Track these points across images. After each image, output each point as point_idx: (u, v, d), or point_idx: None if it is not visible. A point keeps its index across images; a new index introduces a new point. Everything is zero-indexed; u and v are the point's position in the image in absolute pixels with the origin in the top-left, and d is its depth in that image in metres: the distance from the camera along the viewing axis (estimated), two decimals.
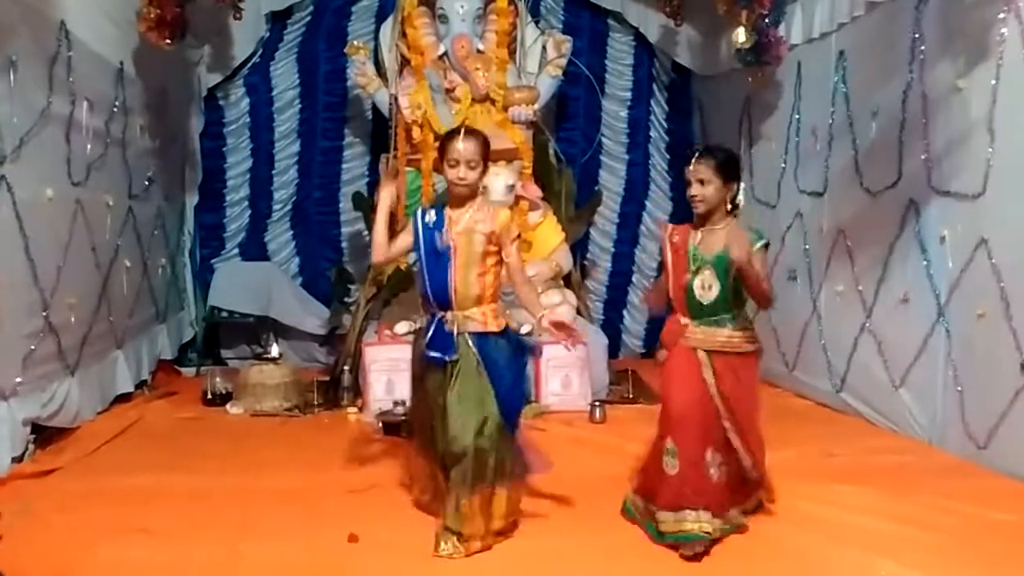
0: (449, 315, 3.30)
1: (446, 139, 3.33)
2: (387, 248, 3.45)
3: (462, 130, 3.35)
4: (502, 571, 3.15)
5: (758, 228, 3.41)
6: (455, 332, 3.28)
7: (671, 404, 3.31)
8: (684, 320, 3.31)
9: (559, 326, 3.32)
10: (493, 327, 3.31)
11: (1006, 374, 3.98)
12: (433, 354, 3.28)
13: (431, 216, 3.34)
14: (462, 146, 3.24)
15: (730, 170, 3.26)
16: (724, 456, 3.31)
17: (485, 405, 3.23)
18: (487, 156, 3.32)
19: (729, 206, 3.28)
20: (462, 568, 3.14)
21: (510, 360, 3.35)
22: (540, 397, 5.48)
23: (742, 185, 3.36)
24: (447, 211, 3.34)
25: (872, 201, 5.04)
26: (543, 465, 3.70)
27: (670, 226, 3.46)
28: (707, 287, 3.25)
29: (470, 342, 3.28)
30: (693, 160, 3.26)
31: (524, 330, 5.50)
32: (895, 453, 4.47)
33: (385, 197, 3.44)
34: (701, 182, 3.23)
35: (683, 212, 7.54)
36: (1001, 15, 3.99)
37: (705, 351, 3.27)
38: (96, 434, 4.78)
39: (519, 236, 3.44)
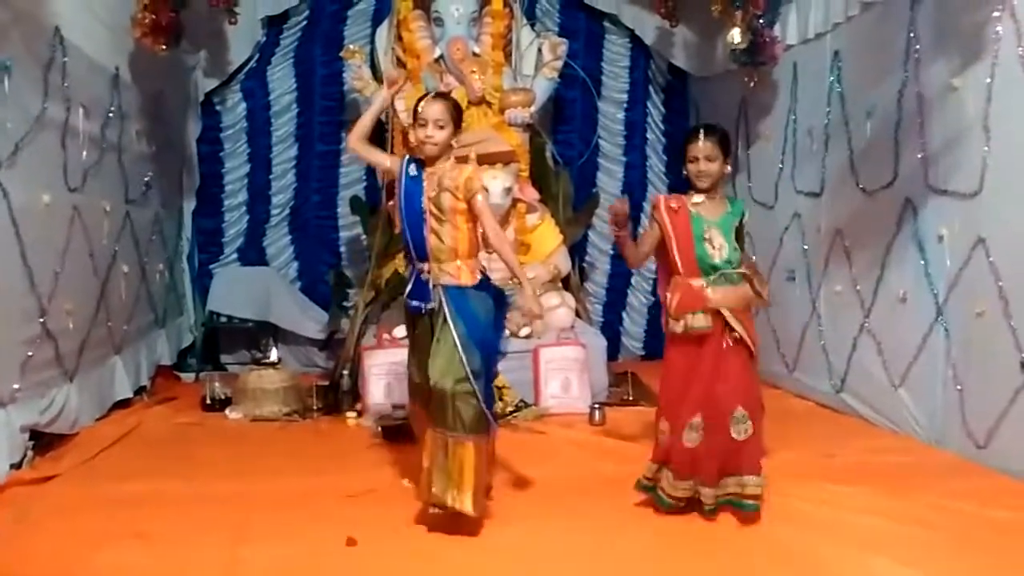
0: (426, 267, 3.52)
1: (416, 103, 3.54)
2: (363, 143, 3.70)
3: (430, 94, 3.61)
4: (501, 571, 3.14)
5: (739, 200, 3.80)
6: (431, 284, 3.50)
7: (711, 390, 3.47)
8: (698, 283, 3.49)
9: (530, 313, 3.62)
10: (467, 280, 3.49)
11: (1005, 373, 3.98)
12: (413, 303, 3.56)
13: (413, 169, 3.54)
14: (428, 106, 3.46)
15: (728, 146, 3.60)
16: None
17: (453, 353, 3.40)
18: (458, 119, 3.53)
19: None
20: (462, 568, 3.13)
21: (486, 313, 3.53)
22: (540, 399, 5.47)
23: (731, 160, 3.67)
24: (424, 168, 3.53)
25: (868, 201, 5.04)
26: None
27: (662, 196, 3.69)
28: (718, 246, 3.50)
29: (443, 294, 3.47)
30: (700, 138, 3.51)
31: (523, 333, 5.54)
32: (895, 453, 4.47)
33: (380, 97, 3.77)
34: (708, 158, 3.50)
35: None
36: (996, 14, 4.00)
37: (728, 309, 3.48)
38: (95, 440, 4.76)
39: (486, 190, 3.60)
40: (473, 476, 3.38)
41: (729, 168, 3.60)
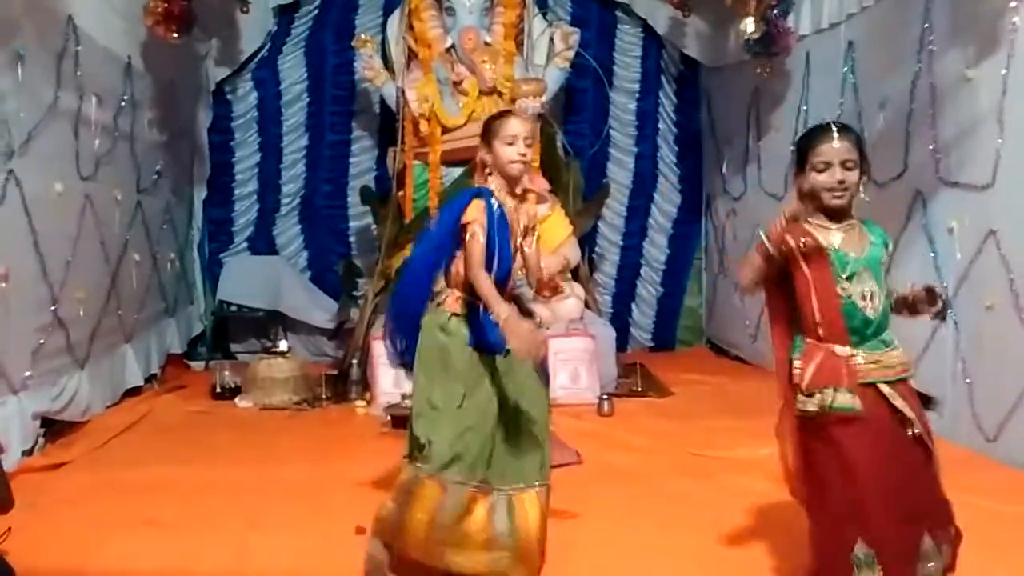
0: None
1: (496, 119, 3.05)
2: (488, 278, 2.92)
3: (515, 113, 3.31)
4: None
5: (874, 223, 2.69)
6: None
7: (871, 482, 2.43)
8: (843, 351, 2.50)
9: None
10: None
11: (1015, 366, 3.96)
12: (495, 341, 2.86)
13: (496, 206, 2.94)
14: (519, 124, 2.98)
15: (864, 154, 2.58)
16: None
17: (543, 395, 3.06)
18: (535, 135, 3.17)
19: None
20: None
21: None
22: (548, 390, 5.46)
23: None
24: (504, 198, 2.99)
25: (879, 192, 4.99)
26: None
27: (780, 224, 2.53)
28: (869, 296, 2.53)
29: None
30: (834, 137, 2.50)
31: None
32: None
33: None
34: (846, 166, 2.50)
35: (692, 206, 7.66)
36: (1012, 4, 3.96)
37: (886, 382, 2.52)
38: (105, 428, 4.80)
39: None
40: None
41: (865, 185, 2.57)
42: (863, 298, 2.51)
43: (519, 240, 3.05)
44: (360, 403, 5.47)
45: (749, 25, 5.50)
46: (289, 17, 7.29)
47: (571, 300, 5.96)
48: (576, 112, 7.44)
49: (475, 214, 2.90)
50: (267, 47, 7.26)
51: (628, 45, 7.53)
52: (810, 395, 2.47)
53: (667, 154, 7.70)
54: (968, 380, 4.28)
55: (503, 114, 3.16)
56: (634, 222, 7.61)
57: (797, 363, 2.53)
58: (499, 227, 2.93)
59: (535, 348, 2.78)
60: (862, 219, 2.62)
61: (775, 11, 5.57)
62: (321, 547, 3.23)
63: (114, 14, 5.26)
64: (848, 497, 2.43)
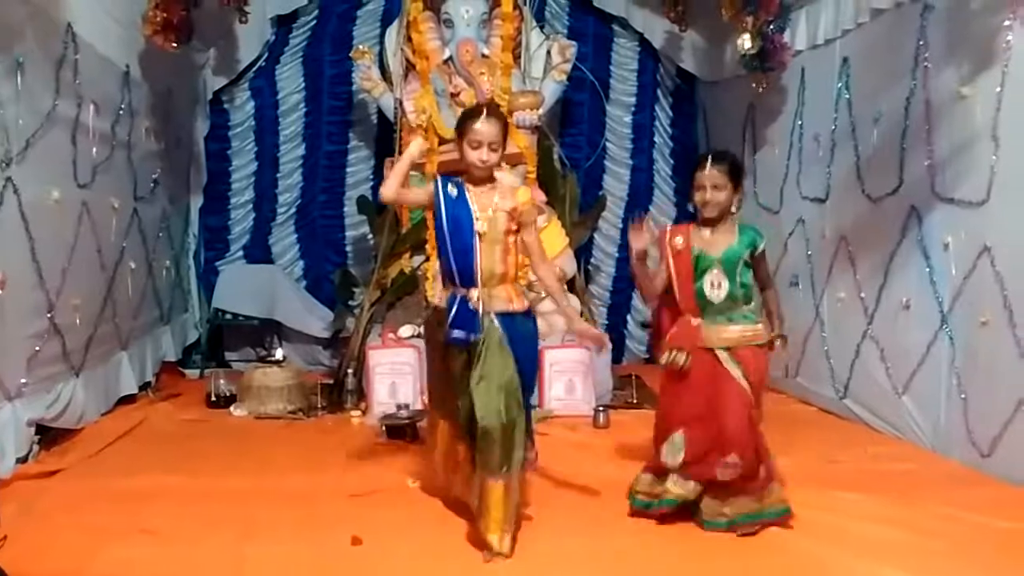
0: (474, 293, 3.24)
1: (467, 118, 3.27)
2: (398, 189, 3.30)
3: (484, 109, 3.27)
4: (503, 572, 3.14)
5: (754, 227, 3.55)
6: (480, 311, 3.22)
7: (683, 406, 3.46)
8: (695, 321, 3.41)
9: (590, 337, 3.64)
10: (518, 306, 3.29)
11: (1010, 382, 3.98)
12: (457, 334, 3.22)
13: (453, 190, 3.25)
14: (484, 127, 3.20)
15: (738, 175, 3.43)
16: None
17: (509, 385, 3.18)
18: (507, 136, 3.31)
19: (733, 209, 3.45)
20: (464, 569, 3.14)
21: (531, 339, 3.37)
22: (544, 402, 5.48)
23: (743, 189, 3.51)
24: (467, 187, 3.28)
25: (873, 207, 5.05)
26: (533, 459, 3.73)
27: (668, 228, 3.56)
28: (716, 285, 3.38)
29: (495, 321, 3.22)
30: (707, 165, 3.36)
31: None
32: (898, 460, 4.47)
33: (416, 145, 3.36)
34: (716, 187, 3.35)
35: (686, 219, 7.59)
36: (1007, 23, 3.99)
37: (723, 348, 3.38)
38: (100, 435, 4.79)
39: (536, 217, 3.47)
40: (515, 512, 3.24)
41: (740, 198, 3.45)
42: (711, 286, 3.39)
43: (488, 220, 3.23)
44: (355, 413, 5.47)
45: (746, 40, 5.53)
46: (287, 28, 7.30)
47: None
48: (573, 125, 7.47)
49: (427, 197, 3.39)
50: (265, 57, 7.27)
51: (625, 59, 7.56)
52: (665, 351, 3.47)
53: (663, 167, 7.73)
54: (963, 395, 4.30)
55: (473, 113, 3.26)
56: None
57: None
58: (453, 214, 3.22)
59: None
60: (740, 224, 3.47)
61: (771, 27, 5.60)
62: (316, 557, 3.22)
63: (113, 23, 5.27)
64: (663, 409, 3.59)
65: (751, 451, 3.40)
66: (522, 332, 3.29)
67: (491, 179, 3.32)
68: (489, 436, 3.13)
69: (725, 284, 3.38)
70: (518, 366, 3.23)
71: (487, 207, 3.24)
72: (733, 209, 3.42)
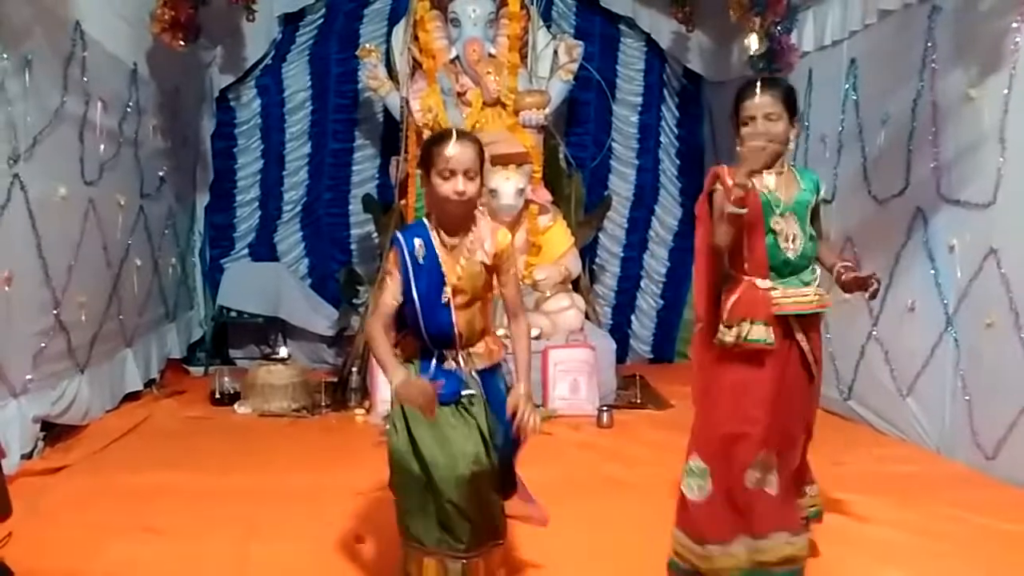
0: (450, 355, 2.68)
1: (432, 144, 2.64)
2: (380, 329, 2.67)
3: (453, 132, 2.66)
4: (506, 571, 3.14)
5: (810, 170, 2.97)
6: (462, 373, 2.68)
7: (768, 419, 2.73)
8: (763, 283, 2.73)
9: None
10: (497, 358, 2.77)
11: (1015, 384, 3.97)
12: (443, 393, 2.57)
13: (420, 248, 2.64)
14: (456, 152, 2.57)
15: (795, 104, 2.82)
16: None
17: (489, 450, 2.67)
18: (483, 164, 2.68)
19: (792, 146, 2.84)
20: None
21: (506, 390, 2.77)
22: (548, 401, 5.48)
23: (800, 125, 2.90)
24: (435, 236, 2.66)
25: (879, 209, 5.04)
26: (540, 515, 3.41)
27: (725, 168, 2.75)
28: (791, 238, 2.76)
29: (477, 381, 2.70)
30: (756, 92, 2.73)
31: (533, 334, 5.55)
32: (903, 462, 4.46)
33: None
34: (768, 117, 2.73)
35: (693, 219, 7.57)
36: (1015, 24, 3.99)
37: (794, 316, 2.76)
38: (105, 432, 4.81)
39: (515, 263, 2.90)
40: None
41: (797, 135, 2.84)
42: (786, 239, 2.75)
43: (466, 281, 2.65)
44: (359, 411, 5.47)
45: (753, 41, 5.53)
46: (294, 26, 7.31)
47: (571, 311, 5.98)
48: (579, 124, 7.47)
49: (390, 263, 2.68)
50: (271, 55, 7.28)
51: (631, 59, 7.56)
52: (729, 326, 2.71)
53: (669, 167, 7.72)
54: (967, 397, 4.29)
55: (440, 138, 2.63)
56: (635, 234, 7.63)
57: (709, 299, 2.82)
58: (424, 282, 2.62)
59: (424, 404, 2.50)
60: (795, 166, 2.89)
61: (779, 27, 5.59)
62: (320, 555, 3.22)
63: (121, 21, 5.29)
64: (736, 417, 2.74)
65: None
66: (500, 385, 2.76)
67: (468, 219, 2.69)
68: (469, 501, 2.61)
69: (800, 236, 2.77)
70: (499, 419, 2.69)
71: (461, 255, 2.66)
72: (791, 146, 2.82)
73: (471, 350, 2.71)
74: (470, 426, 2.65)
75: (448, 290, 2.63)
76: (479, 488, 2.63)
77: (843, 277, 2.85)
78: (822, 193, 2.89)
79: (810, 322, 2.82)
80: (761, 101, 2.73)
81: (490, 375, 2.75)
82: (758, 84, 2.76)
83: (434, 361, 2.68)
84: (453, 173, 2.57)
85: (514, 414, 2.63)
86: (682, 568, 2.88)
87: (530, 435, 2.71)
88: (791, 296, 2.75)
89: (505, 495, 2.83)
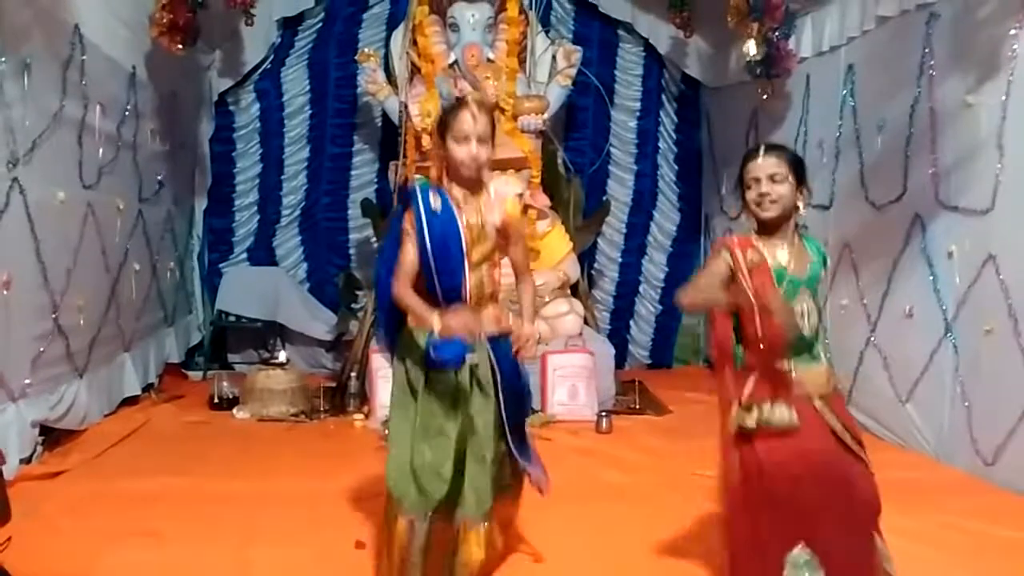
0: None
1: (449, 112, 2.83)
2: (408, 287, 2.80)
3: (468, 100, 2.83)
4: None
5: (815, 239, 2.81)
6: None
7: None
8: (782, 364, 2.57)
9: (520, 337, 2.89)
10: (506, 324, 2.91)
11: (1014, 390, 3.98)
12: (445, 357, 2.68)
13: (436, 202, 2.78)
14: (470, 118, 2.75)
15: (802, 170, 2.69)
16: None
17: (496, 419, 2.83)
18: (495, 131, 2.86)
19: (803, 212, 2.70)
20: None
21: (518, 361, 2.95)
22: (547, 406, 5.48)
23: (809, 193, 2.73)
24: (452, 195, 2.82)
25: (877, 215, 5.05)
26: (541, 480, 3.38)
27: (735, 238, 2.66)
28: (805, 314, 2.61)
29: (487, 345, 2.83)
30: (759, 155, 2.64)
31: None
32: (902, 468, 4.45)
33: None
34: (774, 179, 2.61)
35: (691, 225, 7.69)
36: (1012, 31, 4.00)
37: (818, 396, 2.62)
38: (103, 436, 4.80)
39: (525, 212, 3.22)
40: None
41: (805, 201, 2.67)
42: (800, 316, 2.59)
43: (478, 239, 2.80)
44: (358, 416, 5.47)
45: (751, 47, 5.54)
46: (293, 30, 7.31)
47: (570, 316, 5.98)
48: (577, 129, 7.48)
49: (406, 222, 2.81)
50: (270, 59, 7.28)
51: (629, 64, 7.57)
52: (748, 409, 2.54)
53: (667, 173, 7.73)
54: (967, 404, 4.30)
55: (456, 106, 2.83)
56: (633, 240, 7.64)
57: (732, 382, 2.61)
58: (439, 232, 2.75)
59: (472, 328, 2.68)
60: (802, 234, 2.73)
61: (777, 33, 5.61)
62: (319, 560, 3.22)
63: (120, 24, 5.28)
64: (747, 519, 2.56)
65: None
66: (508, 354, 2.89)
67: (480, 183, 2.86)
68: (485, 471, 2.80)
69: (813, 313, 2.62)
70: (507, 391, 2.85)
71: (476, 219, 2.81)
72: (802, 212, 2.68)
73: (482, 311, 2.82)
74: (477, 395, 2.79)
75: (464, 236, 2.77)
76: (476, 457, 2.78)
77: None
78: (827, 265, 2.79)
79: (831, 401, 2.67)
80: (765, 162, 2.63)
81: (499, 342, 2.86)
82: (762, 147, 2.68)
83: None
84: (467, 138, 2.76)
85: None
86: None
87: (527, 359, 2.95)
88: (809, 377, 2.61)
89: (522, 456, 2.92)
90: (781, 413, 2.51)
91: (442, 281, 2.79)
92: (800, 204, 2.66)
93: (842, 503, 2.53)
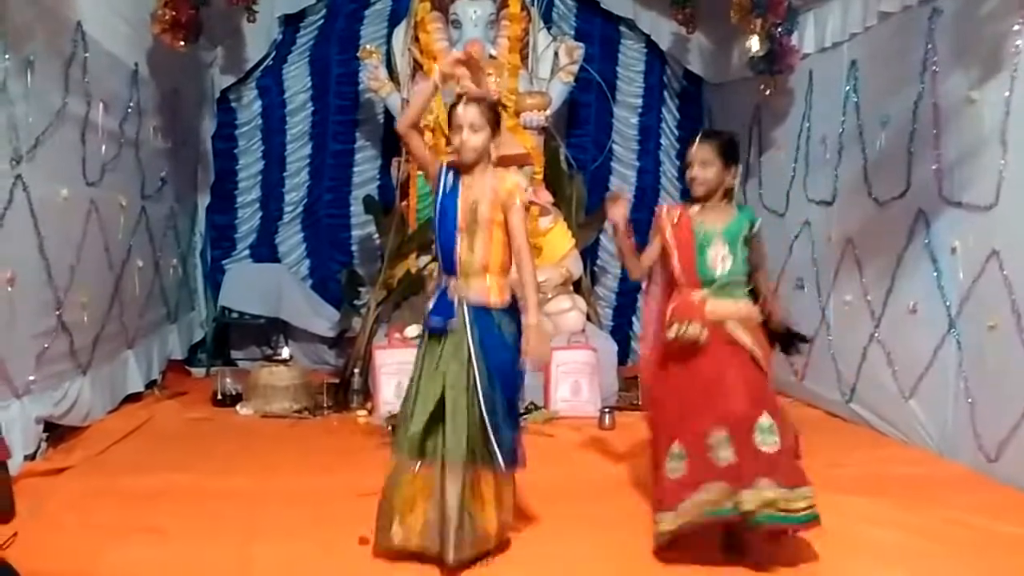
0: (453, 282, 3.20)
1: (451, 107, 3.26)
2: (409, 128, 3.27)
3: (463, 97, 3.24)
4: (507, 573, 3.15)
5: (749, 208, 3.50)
6: (456, 300, 3.18)
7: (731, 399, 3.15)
8: (697, 294, 3.27)
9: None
10: (495, 300, 3.18)
11: (1017, 386, 3.97)
12: (434, 319, 3.18)
13: (450, 178, 3.25)
14: (463, 109, 3.18)
15: (731, 153, 3.33)
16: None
17: (470, 385, 3.11)
18: (496, 122, 3.22)
19: (735, 185, 3.38)
20: (472, 570, 3.14)
21: (512, 339, 3.20)
22: (549, 403, 5.49)
23: (739, 168, 3.39)
24: (462, 177, 3.24)
25: (880, 211, 5.05)
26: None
27: (664, 206, 3.52)
28: (721, 259, 3.28)
29: (467, 313, 3.15)
30: (696, 142, 3.32)
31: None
32: (905, 464, 4.46)
33: (429, 85, 3.33)
34: (704, 164, 3.29)
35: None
36: (1016, 27, 4.00)
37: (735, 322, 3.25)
38: (106, 433, 4.80)
39: (528, 208, 3.49)
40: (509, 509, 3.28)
41: (734, 177, 3.33)
42: (717, 259, 3.28)
43: (472, 214, 3.18)
44: (361, 412, 5.47)
45: (754, 43, 5.53)
46: (295, 27, 7.31)
47: (573, 313, 5.99)
48: (579, 126, 7.48)
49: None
50: (272, 56, 7.27)
51: (632, 60, 7.56)
52: (670, 325, 3.27)
53: (669, 169, 7.72)
54: (970, 399, 4.30)
55: (456, 101, 3.26)
56: (636, 236, 7.52)
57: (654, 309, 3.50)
58: (443, 205, 3.24)
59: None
60: (741, 206, 3.47)
61: (779, 29, 5.61)
62: (324, 557, 3.23)
63: (122, 21, 5.28)
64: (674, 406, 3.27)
65: (786, 425, 3.22)
66: (494, 330, 3.18)
67: (483, 167, 3.24)
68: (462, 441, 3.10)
69: (729, 259, 3.28)
70: (488, 367, 3.12)
71: (473, 196, 3.19)
72: (734, 185, 3.35)
73: (468, 281, 3.17)
74: (452, 361, 3.13)
75: (461, 210, 3.18)
76: (450, 414, 3.08)
77: (765, 310, 3.35)
78: (755, 228, 3.34)
79: (747, 325, 3.28)
80: (699, 150, 3.30)
81: (483, 313, 3.16)
82: (699, 135, 3.35)
83: (443, 286, 3.24)
84: (460, 127, 3.18)
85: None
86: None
87: (538, 365, 3.53)
88: (722, 306, 3.26)
89: (496, 434, 3.12)
90: (693, 329, 3.21)
91: (441, 246, 3.25)
92: (728, 183, 3.32)
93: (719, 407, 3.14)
